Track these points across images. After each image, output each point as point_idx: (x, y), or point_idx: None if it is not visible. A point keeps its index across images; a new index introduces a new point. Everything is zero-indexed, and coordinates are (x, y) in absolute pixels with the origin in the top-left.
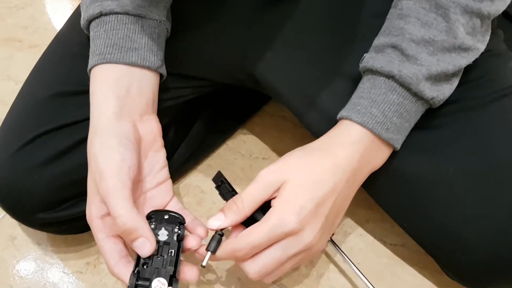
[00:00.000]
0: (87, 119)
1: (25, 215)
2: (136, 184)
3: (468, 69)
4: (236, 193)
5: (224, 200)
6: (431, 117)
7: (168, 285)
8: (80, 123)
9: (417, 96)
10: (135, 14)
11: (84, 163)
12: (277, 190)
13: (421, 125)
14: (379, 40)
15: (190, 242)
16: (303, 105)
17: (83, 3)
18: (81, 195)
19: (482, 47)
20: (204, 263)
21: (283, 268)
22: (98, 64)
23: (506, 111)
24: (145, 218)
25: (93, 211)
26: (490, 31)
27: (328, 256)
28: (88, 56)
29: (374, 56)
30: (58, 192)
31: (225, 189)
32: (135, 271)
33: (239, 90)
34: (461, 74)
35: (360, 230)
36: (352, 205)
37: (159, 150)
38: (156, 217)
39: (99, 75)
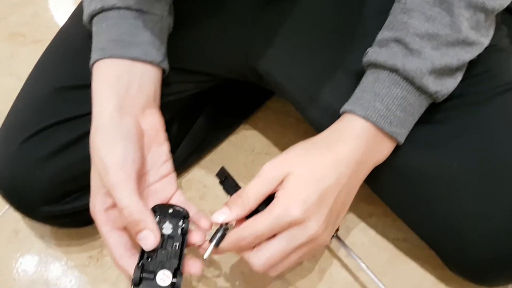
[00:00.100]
0: (90, 113)
1: (29, 208)
2: (140, 178)
3: (471, 64)
4: (240, 188)
5: (228, 195)
6: (435, 111)
7: (173, 278)
8: (83, 117)
9: (421, 90)
10: (137, 9)
11: (87, 156)
12: (280, 183)
13: (424, 120)
14: (382, 35)
15: (194, 237)
16: (306, 100)
17: None
18: (84, 188)
19: (486, 41)
20: (206, 255)
21: (288, 261)
22: (100, 59)
23: (509, 106)
24: (151, 211)
25: (97, 205)
26: (494, 26)
27: (331, 251)
28: (91, 50)
29: (378, 50)
30: (62, 186)
31: (229, 184)
32: (140, 264)
33: (242, 86)
34: (465, 68)
35: (362, 224)
36: (354, 200)
37: (162, 143)
38: (161, 211)
39: (100, 70)
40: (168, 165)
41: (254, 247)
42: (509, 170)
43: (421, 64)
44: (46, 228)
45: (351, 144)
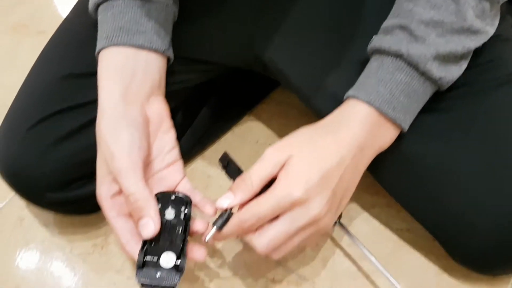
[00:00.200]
0: (95, 101)
1: (35, 194)
2: (147, 165)
3: (476, 53)
4: (243, 172)
5: (231, 179)
6: (439, 100)
7: (176, 259)
8: (89, 105)
9: (425, 75)
10: None
11: (93, 144)
12: (283, 166)
13: (428, 109)
14: (387, 23)
15: (198, 225)
16: (311, 89)
17: None
18: (90, 175)
19: (491, 30)
20: (208, 237)
21: (291, 243)
22: (105, 47)
23: None
24: (155, 199)
25: (103, 191)
26: (499, 15)
27: (334, 240)
28: (96, 39)
29: (382, 37)
30: (67, 172)
31: (232, 169)
32: (143, 249)
33: (247, 77)
34: (469, 57)
35: (365, 215)
36: (357, 190)
37: (168, 131)
38: (163, 198)
39: (106, 58)
40: (175, 153)
41: (257, 230)
42: None
43: (426, 50)
44: (50, 217)
45: (354, 128)
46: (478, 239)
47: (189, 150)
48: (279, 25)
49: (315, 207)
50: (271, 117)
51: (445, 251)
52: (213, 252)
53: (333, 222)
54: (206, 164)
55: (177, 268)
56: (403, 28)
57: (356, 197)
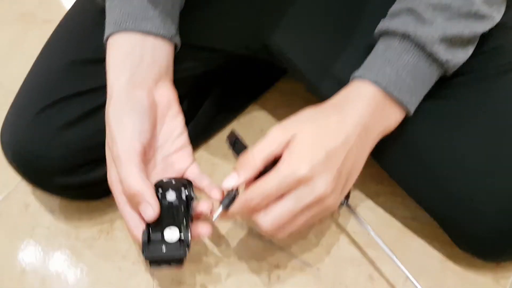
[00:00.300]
0: (104, 87)
1: (42, 179)
2: (154, 150)
3: (482, 40)
4: None
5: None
6: (444, 86)
7: (180, 233)
8: (97, 90)
9: (432, 57)
10: None
11: (101, 129)
12: (287, 145)
13: (434, 95)
14: (395, 7)
15: (202, 206)
16: (318, 74)
17: None
18: (98, 160)
19: (498, 16)
20: (215, 217)
21: (296, 222)
22: (113, 33)
23: None
24: (150, 184)
25: (112, 175)
26: (505, 3)
27: (338, 226)
28: (102, 25)
29: (390, 20)
30: (76, 157)
31: (239, 148)
32: (148, 228)
33: (252, 67)
34: (476, 42)
35: (370, 203)
36: (362, 179)
37: (177, 115)
38: (163, 185)
39: (114, 44)
40: (184, 138)
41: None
42: None
43: (433, 32)
44: (55, 203)
45: (359, 108)
46: (483, 225)
47: (194, 139)
48: (286, 11)
49: (320, 186)
50: (276, 106)
51: (450, 239)
52: (218, 238)
53: (339, 202)
54: (211, 152)
55: (181, 242)
56: (410, 11)
57: (361, 186)
